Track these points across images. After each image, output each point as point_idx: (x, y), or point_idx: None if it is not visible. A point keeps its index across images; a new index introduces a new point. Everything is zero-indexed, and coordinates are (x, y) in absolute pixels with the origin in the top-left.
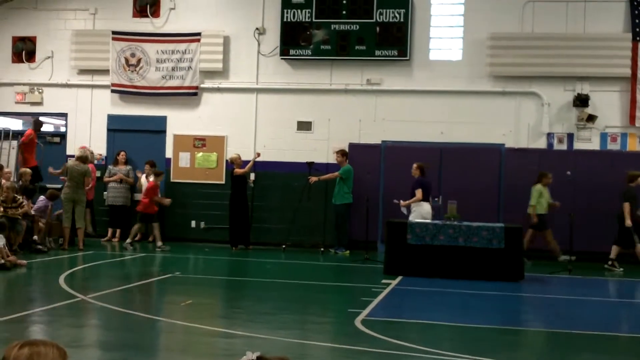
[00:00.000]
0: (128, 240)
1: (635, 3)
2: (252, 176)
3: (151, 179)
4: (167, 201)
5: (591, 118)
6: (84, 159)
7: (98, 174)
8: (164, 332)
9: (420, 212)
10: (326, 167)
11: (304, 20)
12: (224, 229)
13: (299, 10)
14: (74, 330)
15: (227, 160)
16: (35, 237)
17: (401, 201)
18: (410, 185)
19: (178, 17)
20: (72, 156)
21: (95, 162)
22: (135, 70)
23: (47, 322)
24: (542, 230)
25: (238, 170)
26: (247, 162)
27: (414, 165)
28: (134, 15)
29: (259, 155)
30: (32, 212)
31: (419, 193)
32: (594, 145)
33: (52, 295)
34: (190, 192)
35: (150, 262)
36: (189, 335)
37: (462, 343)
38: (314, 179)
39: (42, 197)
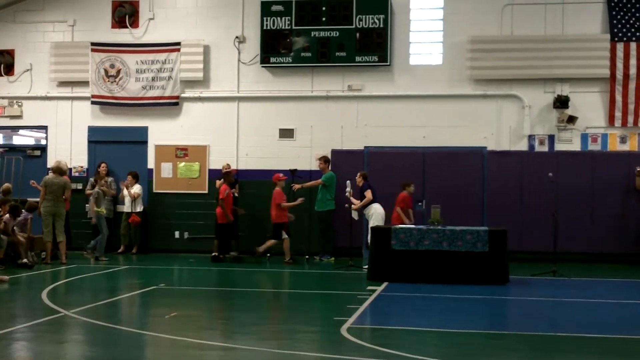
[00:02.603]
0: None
1: (613, 4)
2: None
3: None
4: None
5: (571, 119)
6: (61, 171)
7: (80, 186)
8: (150, 346)
9: (380, 213)
10: (309, 174)
11: (283, 27)
12: (208, 238)
13: (279, 18)
14: (57, 346)
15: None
16: None
17: (352, 205)
18: (392, 191)
19: (157, 27)
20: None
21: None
22: (115, 81)
23: (29, 339)
24: None
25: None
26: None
27: (358, 174)
28: (113, 26)
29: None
30: (15, 228)
31: (368, 194)
32: (575, 146)
33: (34, 311)
34: (173, 203)
35: (134, 274)
36: (175, 349)
37: (449, 349)
38: (297, 186)
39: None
